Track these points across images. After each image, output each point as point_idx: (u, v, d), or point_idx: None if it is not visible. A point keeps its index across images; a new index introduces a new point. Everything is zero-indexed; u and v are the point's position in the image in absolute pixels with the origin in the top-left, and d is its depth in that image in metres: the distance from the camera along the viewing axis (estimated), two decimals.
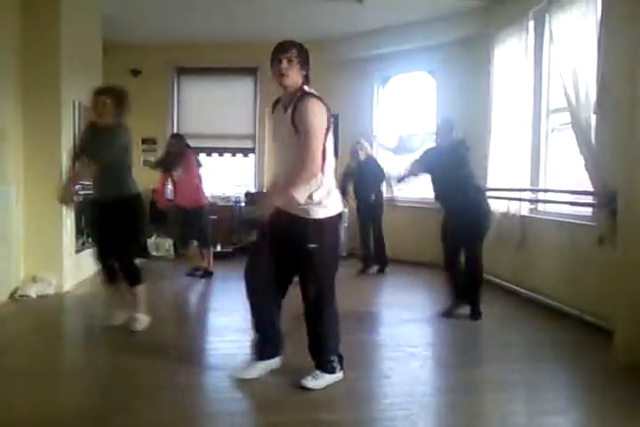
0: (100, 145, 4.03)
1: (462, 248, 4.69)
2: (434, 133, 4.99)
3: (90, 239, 4.30)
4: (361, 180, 6.76)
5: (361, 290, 5.98)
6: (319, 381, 3.18)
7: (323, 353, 3.24)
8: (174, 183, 6.36)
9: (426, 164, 4.82)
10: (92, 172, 4.10)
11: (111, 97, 4.06)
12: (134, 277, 4.22)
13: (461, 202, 4.57)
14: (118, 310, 4.30)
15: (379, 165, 6.89)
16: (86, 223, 4.27)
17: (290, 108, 3.07)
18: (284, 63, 3.06)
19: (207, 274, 6.38)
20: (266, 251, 3.21)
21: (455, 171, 4.60)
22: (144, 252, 6.25)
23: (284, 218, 3.10)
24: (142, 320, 4.21)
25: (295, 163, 3.02)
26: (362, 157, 6.81)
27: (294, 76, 3.09)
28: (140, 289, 4.25)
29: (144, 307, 4.26)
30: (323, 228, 3.10)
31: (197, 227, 6.31)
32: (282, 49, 3.10)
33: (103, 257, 4.28)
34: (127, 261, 4.23)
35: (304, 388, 3.12)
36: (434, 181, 4.79)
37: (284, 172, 3.17)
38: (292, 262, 3.19)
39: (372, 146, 8.35)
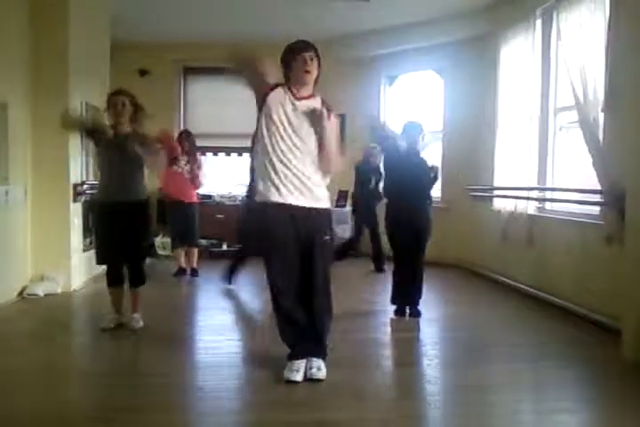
0: (123, 149, 4.06)
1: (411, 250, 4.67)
2: (414, 134, 4.67)
3: (96, 241, 4.29)
4: (368, 185, 6.79)
5: (362, 289, 5.98)
6: (323, 369, 3.20)
7: (324, 340, 3.28)
8: (174, 176, 6.31)
9: (399, 161, 4.64)
10: (104, 175, 4.21)
11: (129, 98, 4.12)
12: (142, 279, 4.31)
13: (424, 209, 4.62)
14: (114, 314, 4.31)
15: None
16: (94, 225, 4.28)
17: (312, 99, 3.16)
18: (308, 61, 3.04)
19: (195, 272, 6.44)
20: (291, 251, 3.18)
21: (427, 177, 4.66)
22: (151, 251, 6.26)
23: (305, 213, 3.15)
24: (140, 319, 4.29)
25: (313, 155, 3.15)
26: (377, 162, 6.83)
27: (314, 76, 3.10)
28: (141, 289, 4.34)
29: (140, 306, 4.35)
30: (331, 218, 3.29)
31: (189, 223, 6.37)
32: (304, 46, 3.07)
33: (114, 260, 4.25)
34: (141, 263, 4.31)
35: (315, 380, 3.13)
36: (400, 182, 4.60)
37: (300, 159, 3.14)
38: (304, 256, 3.22)
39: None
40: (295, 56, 3.10)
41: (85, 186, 5.84)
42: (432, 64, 7.69)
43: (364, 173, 6.88)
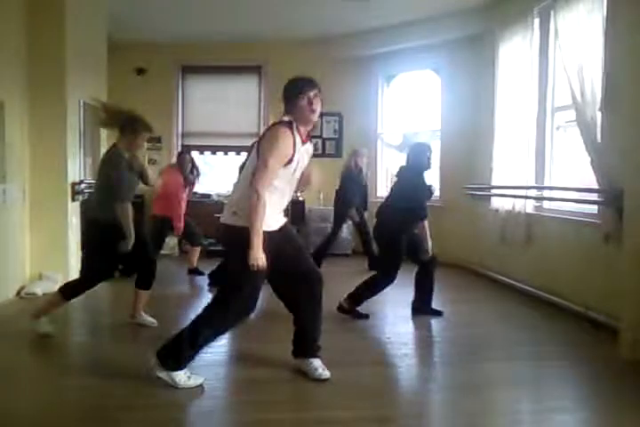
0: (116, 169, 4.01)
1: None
2: (420, 152, 4.66)
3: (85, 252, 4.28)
4: (357, 188, 6.82)
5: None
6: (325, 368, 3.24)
7: (318, 339, 3.31)
8: (180, 202, 6.22)
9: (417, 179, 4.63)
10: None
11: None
12: (149, 282, 4.24)
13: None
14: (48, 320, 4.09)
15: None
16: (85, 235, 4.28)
17: (308, 142, 3.15)
18: (313, 99, 3.00)
19: (196, 271, 6.48)
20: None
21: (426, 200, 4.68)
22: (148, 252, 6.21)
23: (282, 227, 3.17)
24: (146, 317, 4.32)
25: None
26: (364, 165, 6.92)
27: (318, 113, 3.07)
28: (147, 292, 4.29)
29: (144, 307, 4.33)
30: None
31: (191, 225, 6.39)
32: (308, 84, 3.02)
33: (104, 273, 4.11)
34: (144, 263, 4.20)
35: (323, 380, 3.17)
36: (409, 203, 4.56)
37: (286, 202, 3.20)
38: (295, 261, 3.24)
39: (376, 144, 8.40)
40: (300, 95, 3.01)
41: (83, 185, 5.83)
42: (430, 63, 7.70)
43: (350, 179, 6.81)
